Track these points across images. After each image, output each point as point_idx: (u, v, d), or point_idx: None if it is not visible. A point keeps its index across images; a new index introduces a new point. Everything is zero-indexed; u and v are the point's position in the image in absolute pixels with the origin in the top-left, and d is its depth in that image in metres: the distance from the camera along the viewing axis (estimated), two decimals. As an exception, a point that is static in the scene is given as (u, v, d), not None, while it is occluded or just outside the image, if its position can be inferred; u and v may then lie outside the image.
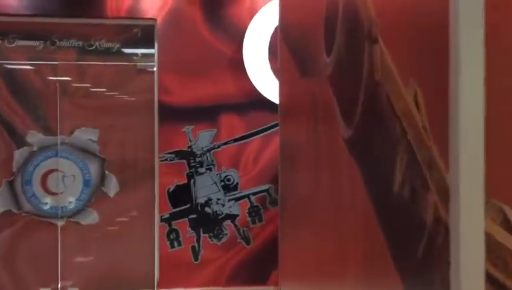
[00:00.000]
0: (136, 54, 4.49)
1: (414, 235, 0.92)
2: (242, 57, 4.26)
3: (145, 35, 4.37)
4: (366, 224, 1.11)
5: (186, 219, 4.31)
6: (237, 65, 4.28)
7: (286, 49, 1.62)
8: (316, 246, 1.49)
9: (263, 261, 4.35)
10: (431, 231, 0.87)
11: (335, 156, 1.14)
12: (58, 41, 4.30)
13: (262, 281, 4.35)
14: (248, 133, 4.33)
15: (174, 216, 4.31)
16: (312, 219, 1.44)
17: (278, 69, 2.54)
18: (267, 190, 4.38)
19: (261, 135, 4.34)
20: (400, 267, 1.01)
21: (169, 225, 4.30)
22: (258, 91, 4.26)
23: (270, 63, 4.24)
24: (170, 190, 4.30)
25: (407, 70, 0.98)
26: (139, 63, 4.46)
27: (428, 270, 0.91)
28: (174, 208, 4.30)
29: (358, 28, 1.09)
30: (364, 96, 0.98)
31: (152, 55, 4.37)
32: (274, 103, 4.27)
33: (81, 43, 4.32)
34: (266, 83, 4.25)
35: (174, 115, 4.29)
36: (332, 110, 1.10)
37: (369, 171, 1.03)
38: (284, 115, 1.99)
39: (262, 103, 4.30)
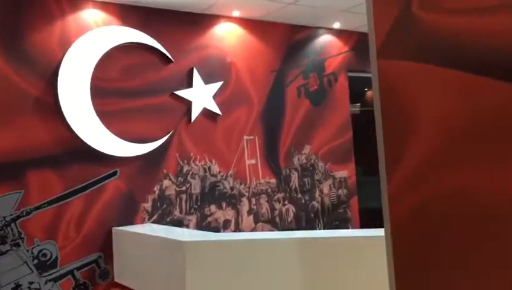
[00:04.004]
0: None
1: None
2: (55, 99, 3.43)
3: None
4: None
5: (-16, 319, 3.12)
6: (49, 109, 3.42)
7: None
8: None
9: None
10: None
11: None
12: None
13: None
14: (67, 191, 3.46)
15: (-36, 318, 3.07)
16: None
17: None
18: (95, 261, 3.53)
19: (84, 192, 3.52)
20: None
21: (-42, 332, 3.04)
22: (80, 139, 3.47)
23: (94, 105, 3.53)
24: (-43, 282, 3.07)
25: None
26: None
27: None
28: (-36, 306, 3.07)
29: None
30: None
31: None
32: (100, 152, 3.56)
33: None
34: (89, 129, 3.50)
35: (-42, 176, 3.13)
36: None
37: None
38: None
39: (85, 153, 3.52)
